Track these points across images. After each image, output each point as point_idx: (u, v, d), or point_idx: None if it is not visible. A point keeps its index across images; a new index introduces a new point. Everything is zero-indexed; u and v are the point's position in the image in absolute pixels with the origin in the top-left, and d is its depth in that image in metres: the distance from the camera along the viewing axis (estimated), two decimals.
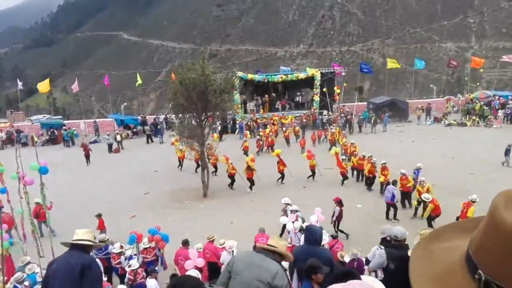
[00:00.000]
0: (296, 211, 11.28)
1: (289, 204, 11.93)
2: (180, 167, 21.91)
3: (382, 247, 6.35)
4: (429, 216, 12.26)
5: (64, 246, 4.42)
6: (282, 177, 18.36)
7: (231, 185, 18.38)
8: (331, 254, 7.18)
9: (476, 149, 21.55)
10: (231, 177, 18.24)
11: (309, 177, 18.54)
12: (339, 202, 12.27)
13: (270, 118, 31.80)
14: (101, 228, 13.02)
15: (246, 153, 22.77)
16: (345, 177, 17.40)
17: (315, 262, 4.51)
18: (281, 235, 11.59)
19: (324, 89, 32.39)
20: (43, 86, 35.32)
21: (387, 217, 13.47)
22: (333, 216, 12.18)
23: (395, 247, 5.52)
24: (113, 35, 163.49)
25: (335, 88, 33.27)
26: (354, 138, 22.98)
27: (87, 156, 24.54)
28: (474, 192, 14.70)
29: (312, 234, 5.39)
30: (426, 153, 20.96)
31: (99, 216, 13.18)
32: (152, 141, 31.08)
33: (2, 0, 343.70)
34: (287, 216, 11.54)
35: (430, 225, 12.26)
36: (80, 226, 13.41)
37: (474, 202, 11.19)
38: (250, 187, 17.80)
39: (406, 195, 14.42)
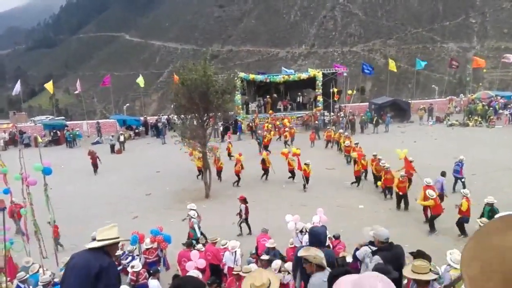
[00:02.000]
0: (192, 217, 11.96)
1: (193, 209, 12.43)
2: (200, 175, 19.95)
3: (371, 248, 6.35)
4: (431, 216, 12.19)
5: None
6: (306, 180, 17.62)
7: (292, 178, 18.53)
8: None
9: (479, 149, 21.49)
10: (292, 171, 18.48)
11: (353, 183, 17.52)
12: (243, 200, 13.14)
13: (272, 118, 31.83)
14: (55, 235, 12.35)
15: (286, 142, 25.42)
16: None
17: (383, 267, 4.55)
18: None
19: (335, 89, 32.45)
20: (49, 87, 37.07)
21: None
22: (240, 213, 13.05)
23: (385, 249, 5.54)
24: (115, 36, 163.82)
25: (335, 89, 33.26)
26: (356, 139, 22.97)
27: (95, 165, 22.60)
28: (476, 193, 14.70)
29: (316, 237, 5.39)
30: (428, 153, 20.93)
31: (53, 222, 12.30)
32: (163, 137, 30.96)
33: (4, 2, 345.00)
34: (189, 220, 12.15)
35: (432, 226, 12.14)
36: (82, 227, 13.49)
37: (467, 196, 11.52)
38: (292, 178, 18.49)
39: (402, 197, 14.33)
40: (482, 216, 10.57)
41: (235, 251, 9.27)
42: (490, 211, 10.50)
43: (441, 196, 13.52)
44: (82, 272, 3.75)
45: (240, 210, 13.17)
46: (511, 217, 0.98)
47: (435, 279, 4.91)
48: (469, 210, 11.54)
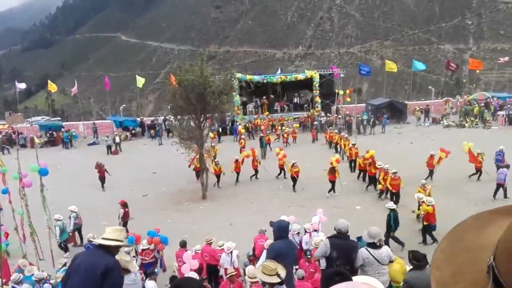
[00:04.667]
0: (57, 219, 12.32)
1: (73, 211, 13.00)
2: (217, 183, 19.14)
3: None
4: (423, 226, 11.59)
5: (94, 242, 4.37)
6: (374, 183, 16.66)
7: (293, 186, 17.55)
8: None
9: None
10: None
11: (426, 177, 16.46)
12: (123, 205, 13.68)
13: (269, 119, 31.92)
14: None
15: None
16: (479, 170, 16.51)
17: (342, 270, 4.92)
18: None
19: (337, 90, 32.57)
20: (52, 87, 38.22)
21: (494, 197, 14.20)
22: (119, 217, 13.50)
23: (339, 238, 6.08)
24: (112, 36, 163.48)
25: (344, 90, 33.38)
26: (353, 140, 22.97)
27: (102, 179, 20.02)
28: (474, 194, 14.80)
29: (284, 230, 5.91)
30: (424, 154, 20.92)
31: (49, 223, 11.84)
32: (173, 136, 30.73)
33: (1, 2, 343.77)
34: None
35: (424, 239, 11.54)
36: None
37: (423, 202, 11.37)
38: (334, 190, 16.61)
39: (395, 194, 14.39)
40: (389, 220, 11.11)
41: (231, 252, 9.23)
42: (388, 216, 11.07)
43: (501, 186, 14.11)
44: (88, 272, 3.79)
45: (119, 214, 13.50)
46: (486, 214, 0.92)
47: (280, 283, 4.94)
48: (433, 217, 11.29)
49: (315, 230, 10.10)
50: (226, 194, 18.03)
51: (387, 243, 10.52)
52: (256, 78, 33.09)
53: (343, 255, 5.84)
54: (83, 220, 13.62)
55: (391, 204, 11.46)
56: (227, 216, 14.96)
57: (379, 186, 15.46)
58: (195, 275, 7.46)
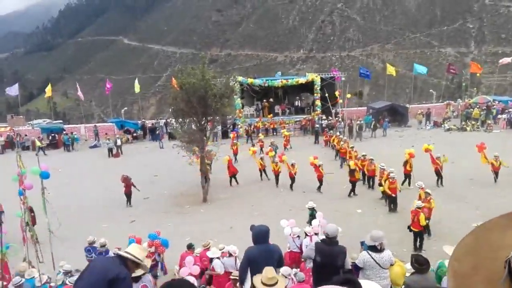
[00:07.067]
0: None
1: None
2: (261, 177, 19.80)
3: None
4: (409, 228, 11.31)
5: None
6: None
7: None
8: None
9: (476, 154, 21.50)
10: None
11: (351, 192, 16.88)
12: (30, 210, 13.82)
13: (270, 123, 31.99)
14: None
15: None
16: None
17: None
18: None
19: (326, 94, 32.54)
20: (47, 91, 39.05)
21: None
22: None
23: (325, 243, 6.03)
24: (113, 40, 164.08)
25: (336, 92, 33.35)
26: (354, 143, 23.01)
27: (128, 195, 17.67)
28: (473, 198, 14.78)
29: (262, 236, 5.72)
30: (425, 158, 20.87)
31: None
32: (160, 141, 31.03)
33: (3, 6, 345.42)
34: None
35: (415, 243, 11.22)
36: (78, 231, 13.40)
37: (420, 208, 10.98)
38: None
39: (393, 198, 14.29)
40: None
41: (236, 256, 9.22)
42: (310, 215, 12.03)
43: None
44: (99, 275, 3.80)
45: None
46: None
47: None
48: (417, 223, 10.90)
49: (315, 234, 10.09)
50: (227, 197, 18.02)
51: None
52: (257, 81, 33.10)
53: (327, 260, 5.78)
54: (83, 223, 13.67)
55: (311, 204, 12.44)
56: (227, 219, 14.96)
57: (380, 188, 15.43)
58: (192, 279, 7.44)
